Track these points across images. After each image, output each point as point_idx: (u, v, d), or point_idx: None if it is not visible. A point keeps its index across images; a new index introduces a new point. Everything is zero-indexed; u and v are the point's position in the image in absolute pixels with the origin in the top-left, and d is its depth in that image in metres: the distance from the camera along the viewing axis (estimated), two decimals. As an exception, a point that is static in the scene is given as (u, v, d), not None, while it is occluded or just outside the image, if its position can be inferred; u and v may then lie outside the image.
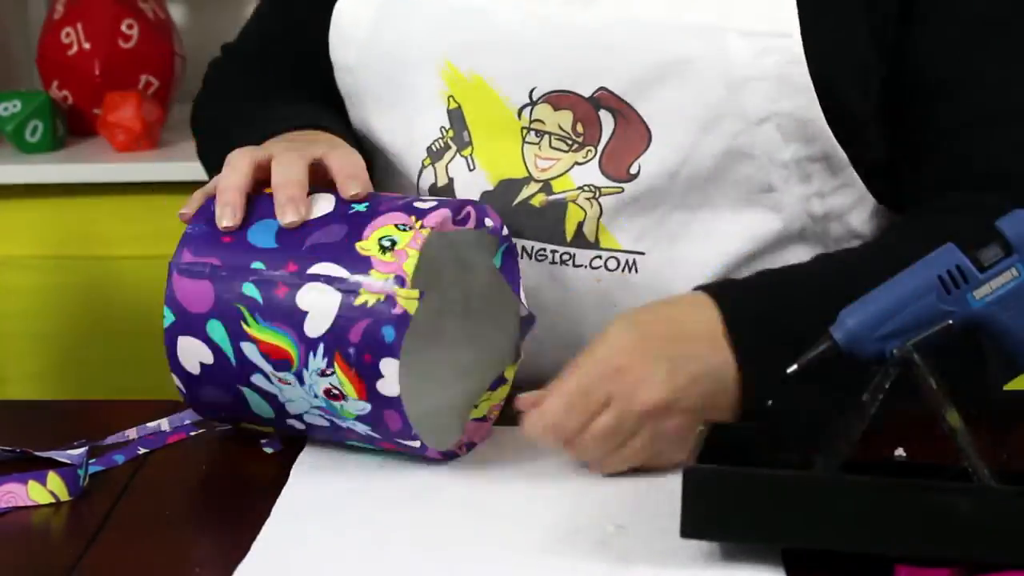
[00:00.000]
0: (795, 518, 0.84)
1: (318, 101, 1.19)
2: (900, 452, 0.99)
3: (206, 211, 1.02)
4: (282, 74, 1.26)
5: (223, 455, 1.09)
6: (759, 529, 0.85)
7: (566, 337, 1.09)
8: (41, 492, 0.99)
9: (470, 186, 1.10)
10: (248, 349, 0.99)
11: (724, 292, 1.01)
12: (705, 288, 1.01)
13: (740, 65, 1.03)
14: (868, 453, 0.86)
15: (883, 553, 0.83)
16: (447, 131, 1.11)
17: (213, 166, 1.16)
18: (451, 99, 1.11)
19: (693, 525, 0.85)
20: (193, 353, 1.01)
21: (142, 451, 1.07)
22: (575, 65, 1.07)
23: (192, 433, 1.10)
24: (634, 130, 1.06)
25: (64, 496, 0.99)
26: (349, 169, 1.02)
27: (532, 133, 1.09)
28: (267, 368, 0.99)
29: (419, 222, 0.96)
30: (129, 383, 2.15)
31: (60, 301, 2.25)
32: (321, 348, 0.96)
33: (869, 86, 1.07)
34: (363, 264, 0.96)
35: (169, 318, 1.02)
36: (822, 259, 1.08)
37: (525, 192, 1.09)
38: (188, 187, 2.21)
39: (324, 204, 1.01)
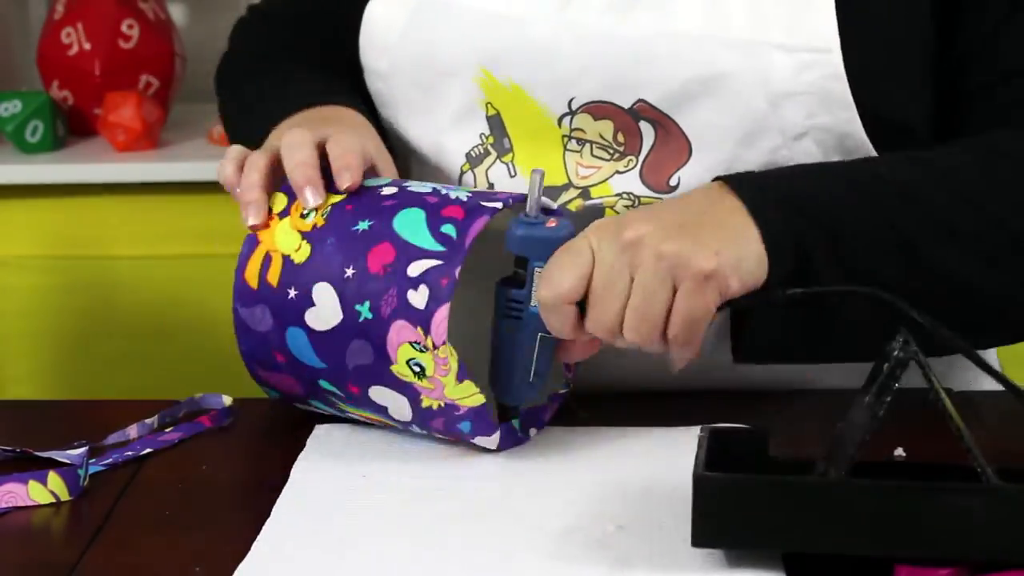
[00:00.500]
0: (811, 524, 0.83)
1: (339, 74, 1.19)
2: (899, 452, 0.99)
3: None
4: (310, 44, 1.26)
5: (223, 455, 1.09)
6: (773, 536, 0.84)
7: None
8: (41, 492, 0.99)
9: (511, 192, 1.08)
10: None
11: (738, 179, 0.99)
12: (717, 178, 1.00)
13: (780, 80, 1.03)
14: (866, 453, 0.86)
15: (904, 557, 0.83)
16: (487, 137, 1.11)
17: (235, 140, 1.18)
18: (489, 106, 1.10)
19: (705, 534, 0.85)
20: None
21: (142, 451, 1.07)
22: (613, 76, 1.06)
23: (192, 433, 1.10)
24: (675, 142, 1.06)
25: (64, 496, 1.00)
26: (342, 159, 1.02)
27: (573, 141, 1.09)
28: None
29: (430, 339, 0.97)
30: (129, 383, 2.16)
31: (60, 301, 2.25)
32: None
33: (917, 94, 1.07)
34: (411, 390, 0.99)
35: None
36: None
37: (563, 197, 1.09)
38: (188, 187, 2.23)
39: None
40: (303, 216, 1.02)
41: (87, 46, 2.30)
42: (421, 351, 0.97)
